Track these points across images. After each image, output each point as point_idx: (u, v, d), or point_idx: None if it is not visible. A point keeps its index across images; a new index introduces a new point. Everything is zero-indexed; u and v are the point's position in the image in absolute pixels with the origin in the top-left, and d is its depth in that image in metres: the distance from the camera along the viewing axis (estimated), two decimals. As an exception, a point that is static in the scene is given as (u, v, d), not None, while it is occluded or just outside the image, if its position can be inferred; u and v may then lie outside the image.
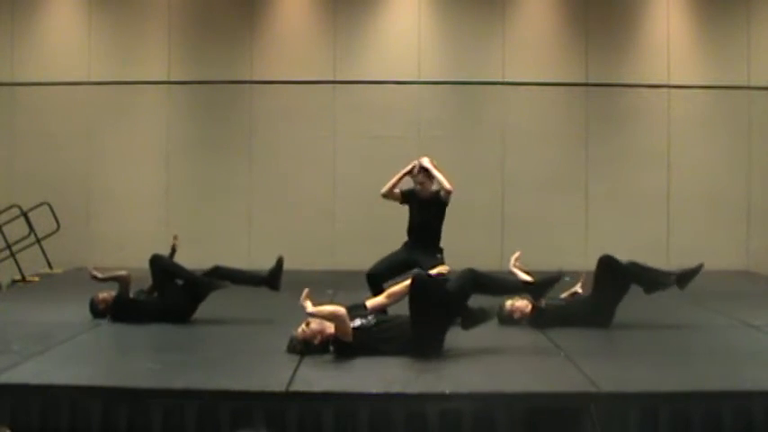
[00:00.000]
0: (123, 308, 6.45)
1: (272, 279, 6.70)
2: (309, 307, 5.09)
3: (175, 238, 7.01)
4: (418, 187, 6.85)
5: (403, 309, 5.38)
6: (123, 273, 6.54)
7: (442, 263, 6.40)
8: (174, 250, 6.90)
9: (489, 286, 5.63)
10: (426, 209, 6.84)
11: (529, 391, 4.45)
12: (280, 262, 6.74)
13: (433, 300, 5.19)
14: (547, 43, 11.08)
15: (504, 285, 5.91)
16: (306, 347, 5.20)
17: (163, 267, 6.51)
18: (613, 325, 6.21)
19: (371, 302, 5.51)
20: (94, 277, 6.57)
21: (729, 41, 11.07)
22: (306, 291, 5.10)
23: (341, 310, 5.15)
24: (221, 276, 6.63)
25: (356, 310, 5.39)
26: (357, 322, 5.25)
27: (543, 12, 11.15)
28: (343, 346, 5.15)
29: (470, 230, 10.43)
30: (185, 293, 6.50)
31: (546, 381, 4.69)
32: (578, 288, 6.59)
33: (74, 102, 11.02)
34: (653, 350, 5.54)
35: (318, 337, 5.21)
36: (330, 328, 5.22)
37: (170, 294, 6.47)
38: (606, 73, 11.03)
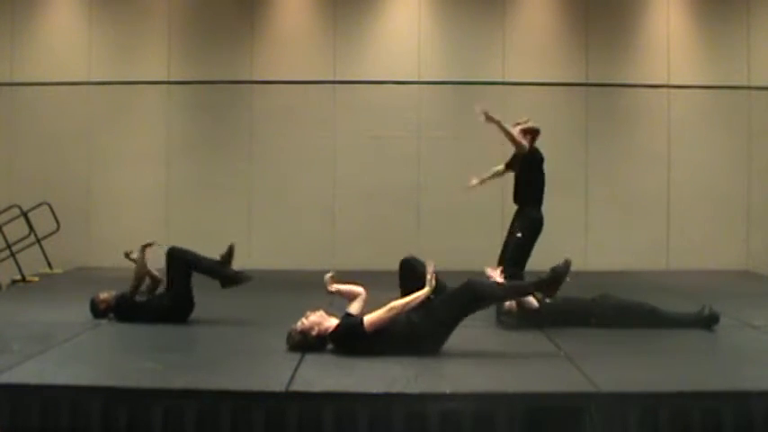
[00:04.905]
0: (124, 308, 6.45)
1: (224, 265, 6.49)
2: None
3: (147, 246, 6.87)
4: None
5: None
6: (157, 274, 6.55)
7: (523, 229, 6.65)
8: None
9: (493, 298, 5.60)
10: (516, 168, 6.98)
11: (529, 391, 4.44)
12: (230, 249, 6.52)
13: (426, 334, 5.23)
14: (547, 43, 11.08)
15: (514, 290, 5.77)
16: (303, 339, 5.21)
17: (184, 259, 6.43)
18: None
19: (369, 318, 5.20)
20: (128, 255, 6.59)
21: (729, 41, 11.07)
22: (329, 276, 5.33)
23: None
24: (182, 258, 6.46)
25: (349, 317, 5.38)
26: None
27: (543, 12, 11.15)
28: (354, 332, 5.12)
29: (470, 230, 10.45)
30: (189, 290, 6.49)
31: (546, 381, 4.69)
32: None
33: (74, 102, 11.02)
34: (653, 350, 5.54)
35: (316, 329, 5.22)
36: (328, 321, 5.25)
37: (179, 289, 6.41)
38: (606, 73, 11.03)
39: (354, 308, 5.38)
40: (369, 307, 5.34)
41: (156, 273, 6.62)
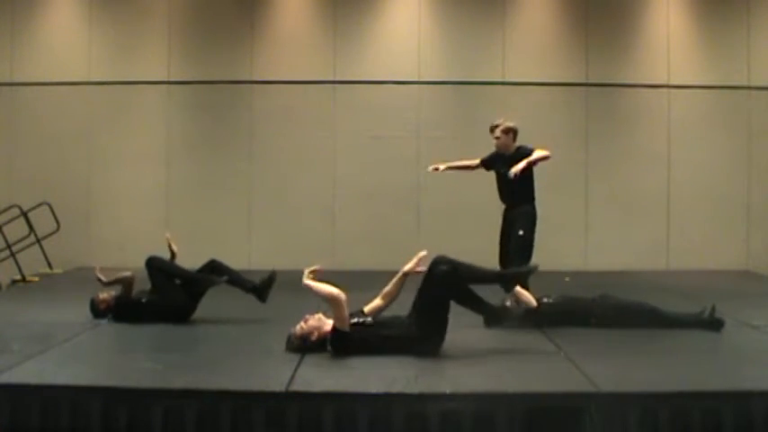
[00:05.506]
0: (124, 308, 6.47)
1: (262, 290, 6.64)
2: (306, 278, 5.16)
3: (169, 239, 6.97)
4: (495, 143, 7.06)
5: (402, 309, 5.39)
6: (127, 274, 6.57)
7: (523, 226, 6.66)
8: (173, 254, 6.88)
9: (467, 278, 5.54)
10: (505, 168, 6.92)
11: (529, 391, 4.45)
12: (272, 276, 6.66)
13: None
14: (547, 43, 11.08)
15: (480, 276, 5.75)
16: (302, 344, 5.22)
17: (160, 268, 6.52)
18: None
19: (368, 307, 5.48)
20: (99, 280, 6.59)
21: (729, 41, 11.07)
22: (314, 268, 5.23)
23: (341, 294, 5.12)
24: (217, 270, 6.63)
25: (354, 315, 5.38)
26: (354, 319, 5.27)
27: (543, 12, 11.15)
28: (340, 339, 5.15)
29: (470, 230, 10.44)
30: (184, 292, 6.51)
31: (546, 381, 4.69)
32: None
33: (74, 102, 11.02)
34: (653, 350, 5.54)
35: (315, 334, 5.22)
36: (327, 325, 5.24)
37: (170, 294, 6.47)
38: (606, 73, 11.03)
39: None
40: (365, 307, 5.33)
41: (123, 276, 6.59)
